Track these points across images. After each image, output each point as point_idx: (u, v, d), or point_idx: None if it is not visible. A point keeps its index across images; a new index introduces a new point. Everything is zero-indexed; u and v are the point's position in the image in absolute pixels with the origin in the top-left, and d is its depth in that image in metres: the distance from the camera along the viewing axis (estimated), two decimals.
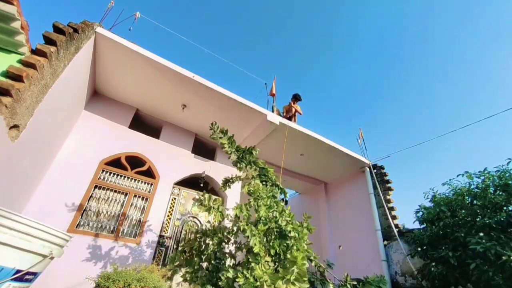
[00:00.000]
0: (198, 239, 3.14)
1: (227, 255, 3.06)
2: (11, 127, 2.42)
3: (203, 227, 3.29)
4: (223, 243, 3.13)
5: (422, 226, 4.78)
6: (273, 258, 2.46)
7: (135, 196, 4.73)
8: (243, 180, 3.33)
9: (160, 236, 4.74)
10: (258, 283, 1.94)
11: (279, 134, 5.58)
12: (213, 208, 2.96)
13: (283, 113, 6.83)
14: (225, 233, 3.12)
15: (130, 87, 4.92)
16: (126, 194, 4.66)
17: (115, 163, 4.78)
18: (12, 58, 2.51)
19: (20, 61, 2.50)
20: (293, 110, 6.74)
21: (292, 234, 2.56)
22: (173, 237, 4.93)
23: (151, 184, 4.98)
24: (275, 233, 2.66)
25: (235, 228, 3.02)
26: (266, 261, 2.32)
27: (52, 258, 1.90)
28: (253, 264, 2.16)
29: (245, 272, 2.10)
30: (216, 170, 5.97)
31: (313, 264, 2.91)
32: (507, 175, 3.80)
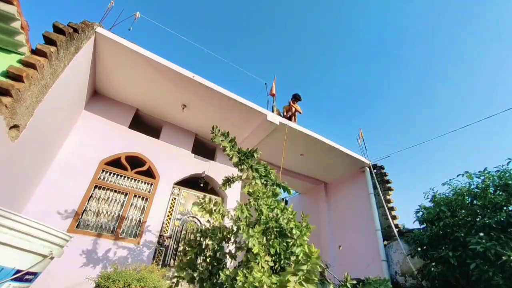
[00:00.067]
0: (198, 239, 3.14)
1: (227, 255, 3.06)
2: (11, 127, 2.42)
3: (203, 227, 3.28)
4: (223, 243, 3.13)
5: (422, 226, 4.77)
6: (273, 257, 2.46)
7: (135, 196, 4.73)
8: (243, 180, 3.33)
9: (160, 236, 4.74)
10: (257, 284, 1.94)
11: (279, 134, 5.58)
12: (214, 211, 2.97)
13: (283, 113, 6.83)
14: (225, 233, 3.12)
15: (130, 87, 4.92)
16: (126, 194, 4.66)
17: (115, 163, 4.78)
18: (12, 58, 2.51)
19: (20, 61, 2.50)
20: (293, 109, 6.74)
21: (294, 231, 2.57)
22: (173, 237, 4.93)
23: (151, 184, 4.98)
24: (275, 232, 2.66)
25: (235, 228, 3.02)
26: (266, 260, 2.32)
27: (52, 258, 1.90)
28: (252, 264, 2.16)
29: (245, 271, 2.11)
30: (216, 170, 5.97)
31: None
32: (507, 175, 3.80)
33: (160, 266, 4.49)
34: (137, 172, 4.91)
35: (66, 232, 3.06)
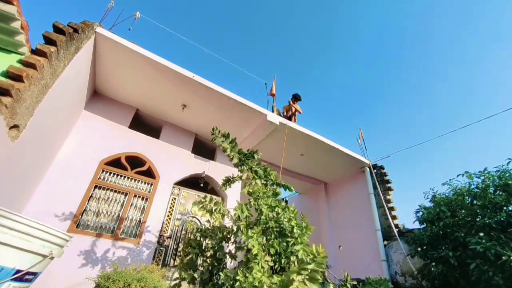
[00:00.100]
0: (198, 238, 3.14)
1: (227, 255, 3.06)
2: (11, 127, 2.42)
3: (203, 227, 3.28)
4: (223, 243, 3.13)
5: (422, 226, 4.77)
6: (273, 257, 2.46)
7: (135, 196, 4.73)
8: (243, 180, 3.33)
9: (160, 236, 4.74)
10: (257, 283, 1.94)
11: (279, 134, 5.58)
12: (215, 210, 2.97)
13: (283, 113, 6.83)
14: (225, 233, 3.12)
15: (130, 87, 4.92)
16: (126, 194, 4.66)
17: (115, 163, 4.78)
18: (12, 58, 2.51)
19: (20, 61, 2.50)
20: (293, 109, 6.74)
21: (295, 230, 2.57)
22: (173, 237, 4.93)
23: (151, 184, 4.98)
24: (275, 232, 2.66)
25: (235, 228, 3.02)
26: (266, 260, 2.32)
27: (52, 258, 1.90)
28: (252, 264, 2.16)
29: (245, 271, 2.11)
30: (216, 170, 5.97)
31: None
32: (507, 175, 3.80)
33: (160, 266, 4.49)
34: (137, 172, 4.90)
35: (66, 232, 3.06)
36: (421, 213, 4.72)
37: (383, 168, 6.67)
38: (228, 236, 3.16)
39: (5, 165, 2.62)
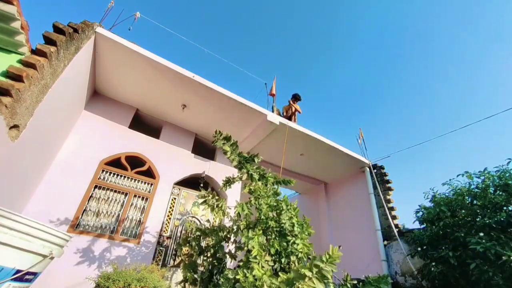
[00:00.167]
0: (198, 238, 3.14)
1: (227, 255, 3.07)
2: (11, 127, 2.42)
3: (203, 227, 3.29)
4: (223, 242, 3.14)
5: (422, 226, 4.77)
6: (273, 257, 2.46)
7: (135, 196, 4.73)
8: (243, 181, 3.34)
9: (160, 236, 4.75)
10: (258, 283, 1.94)
11: (279, 134, 5.58)
12: (217, 206, 2.99)
13: (282, 113, 6.83)
14: (225, 233, 3.13)
15: (130, 87, 4.92)
16: (126, 194, 4.66)
17: (115, 163, 4.78)
18: (12, 58, 2.51)
19: (20, 61, 2.50)
20: (293, 109, 6.75)
21: (295, 228, 2.58)
22: (173, 237, 4.93)
23: (151, 184, 4.98)
24: (275, 232, 2.67)
25: (235, 227, 3.03)
26: (266, 260, 2.33)
27: (52, 258, 1.90)
28: (253, 264, 2.16)
29: (245, 271, 2.11)
30: (216, 170, 5.97)
31: None
32: (507, 175, 3.80)
33: (160, 266, 4.49)
34: (137, 172, 4.90)
35: (66, 232, 3.06)
36: (421, 213, 4.72)
37: (383, 168, 6.67)
38: (228, 236, 3.17)
39: (5, 165, 2.62)
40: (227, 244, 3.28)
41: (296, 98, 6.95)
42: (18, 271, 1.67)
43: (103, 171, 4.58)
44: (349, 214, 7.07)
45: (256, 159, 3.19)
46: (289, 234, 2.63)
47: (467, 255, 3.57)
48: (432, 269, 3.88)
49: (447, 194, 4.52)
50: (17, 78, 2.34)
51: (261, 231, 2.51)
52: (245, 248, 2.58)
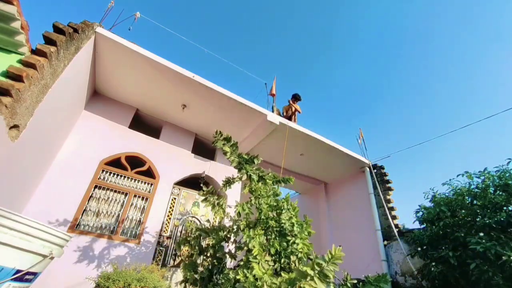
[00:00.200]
0: (198, 237, 3.15)
1: (227, 254, 3.07)
2: (11, 127, 2.42)
3: (203, 227, 3.29)
4: (223, 242, 3.14)
5: (422, 226, 4.77)
6: (273, 257, 2.47)
7: (135, 196, 4.73)
8: (243, 181, 3.35)
9: (160, 236, 4.75)
10: (258, 283, 1.94)
11: (279, 134, 5.58)
12: (218, 204, 3.00)
13: (282, 113, 6.83)
14: (225, 232, 3.13)
15: (130, 87, 4.92)
16: (126, 194, 4.66)
17: (115, 163, 4.78)
18: (12, 58, 2.51)
19: (20, 61, 2.50)
20: (293, 109, 6.75)
21: (295, 228, 2.59)
22: (173, 237, 4.93)
23: (151, 184, 4.98)
24: (275, 232, 2.67)
25: (235, 227, 3.03)
26: (266, 260, 2.33)
27: (52, 258, 1.90)
28: (253, 264, 2.16)
29: (245, 271, 2.11)
30: (216, 170, 5.97)
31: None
32: (507, 175, 3.80)
33: (160, 266, 4.49)
34: (137, 172, 4.90)
35: (66, 232, 3.06)
36: (421, 213, 4.72)
37: (383, 168, 6.67)
38: (228, 235, 3.17)
39: (5, 165, 2.62)
40: (227, 244, 3.29)
41: (296, 98, 6.95)
42: (18, 271, 1.67)
43: (103, 171, 4.58)
44: (349, 214, 7.07)
45: (256, 160, 3.20)
46: (289, 234, 2.64)
47: (467, 255, 3.57)
48: (432, 269, 3.88)
49: (447, 194, 4.52)
50: (17, 78, 2.34)
51: (262, 231, 2.51)
52: (245, 248, 2.58)
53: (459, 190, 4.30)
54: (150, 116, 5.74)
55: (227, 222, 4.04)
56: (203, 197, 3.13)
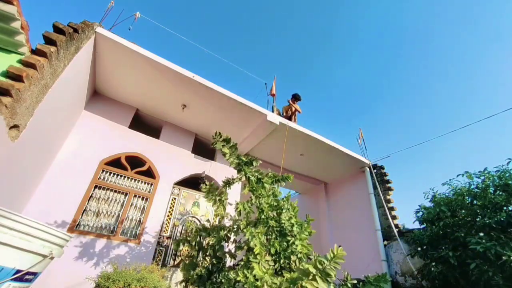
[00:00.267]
0: (198, 236, 3.15)
1: (227, 254, 3.07)
2: (11, 127, 2.42)
3: (203, 227, 3.29)
4: (223, 242, 3.15)
5: (422, 226, 4.77)
6: (273, 257, 2.47)
7: (135, 196, 4.73)
8: (243, 181, 3.35)
9: (160, 236, 4.74)
10: (258, 283, 1.94)
11: (279, 134, 5.58)
12: (219, 200, 3.01)
13: (282, 113, 6.83)
14: (225, 232, 3.13)
15: (130, 87, 4.92)
16: (126, 194, 4.66)
17: (115, 163, 4.78)
18: (12, 58, 2.51)
19: (20, 61, 2.50)
20: (293, 109, 6.75)
21: (295, 228, 2.59)
22: (172, 237, 4.93)
23: (151, 184, 4.98)
24: (276, 232, 2.67)
25: (235, 226, 3.04)
26: (266, 260, 2.33)
27: (52, 258, 1.90)
28: (253, 264, 2.16)
29: (245, 271, 2.11)
30: (216, 170, 5.97)
31: None
32: (507, 175, 3.80)
33: (160, 266, 4.49)
34: (137, 172, 4.90)
35: (66, 232, 3.06)
36: (421, 213, 4.72)
37: (383, 168, 6.67)
38: (228, 235, 3.18)
39: (5, 165, 2.62)
40: (227, 244, 3.29)
41: (296, 98, 6.94)
42: (18, 271, 1.67)
43: (103, 171, 4.58)
44: (349, 214, 7.07)
45: (255, 162, 3.20)
46: (289, 234, 2.64)
47: (467, 255, 3.57)
48: (432, 269, 3.88)
49: (447, 194, 4.52)
50: (17, 78, 2.34)
51: (263, 230, 2.52)
52: (245, 248, 2.59)
53: (459, 190, 4.30)
54: (150, 116, 5.74)
55: (227, 222, 4.05)
56: (205, 192, 3.14)
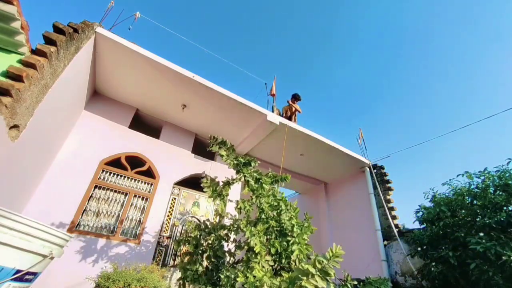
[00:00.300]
0: (198, 235, 3.15)
1: (226, 253, 3.07)
2: (11, 127, 2.42)
3: (203, 226, 3.29)
4: (223, 241, 3.15)
5: (422, 226, 4.77)
6: (274, 257, 2.47)
7: (135, 196, 4.73)
8: (243, 182, 3.35)
9: (160, 236, 4.74)
10: (258, 283, 1.94)
11: (279, 134, 5.58)
12: (221, 195, 3.02)
13: (282, 114, 6.83)
14: (225, 231, 3.14)
15: (130, 87, 4.92)
16: (126, 194, 4.66)
17: (115, 163, 4.78)
18: (12, 58, 2.51)
19: (20, 61, 2.50)
20: (293, 109, 6.75)
21: (295, 229, 2.58)
22: (172, 237, 4.93)
23: (151, 184, 4.98)
24: (276, 232, 2.67)
25: (235, 226, 3.04)
26: (266, 260, 2.33)
27: (52, 258, 1.90)
28: (253, 264, 2.16)
29: (245, 271, 2.11)
30: (216, 170, 5.97)
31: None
32: (507, 175, 3.80)
33: (160, 266, 4.49)
34: (137, 172, 4.90)
35: (66, 232, 3.06)
36: (421, 213, 4.72)
37: (383, 168, 6.67)
38: (228, 234, 3.18)
39: (5, 165, 2.62)
40: (226, 243, 3.29)
41: (296, 98, 6.94)
42: (18, 271, 1.67)
43: (103, 171, 4.58)
44: (349, 214, 7.07)
45: (253, 163, 3.20)
46: (289, 234, 2.64)
47: (467, 255, 3.57)
48: (432, 269, 3.88)
49: (447, 194, 4.52)
50: (17, 78, 2.34)
51: (263, 229, 2.52)
52: (245, 248, 2.58)
53: (459, 190, 4.30)
54: (150, 116, 5.74)
55: (227, 221, 4.05)
56: (206, 187, 3.15)
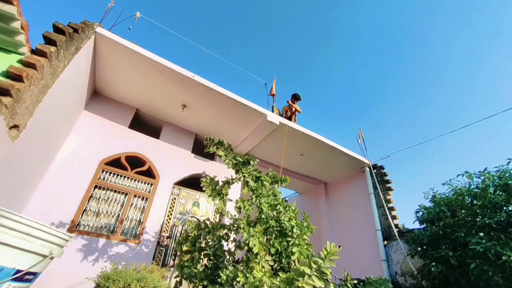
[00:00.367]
0: (198, 234, 3.15)
1: (226, 253, 3.07)
2: (11, 127, 2.42)
3: (203, 226, 3.29)
4: (223, 241, 3.15)
5: (422, 226, 4.77)
6: (274, 257, 2.47)
7: (135, 196, 4.73)
8: (243, 181, 3.35)
9: (160, 236, 4.74)
10: (258, 283, 1.94)
11: (279, 134, 5.58)
12: (221, 194, 3.02)
13: (282, 114, 6.83)
14: (225, 230, 3.14)
15: (130, 87, 4.92)
16: (126, 194, 4.66)
17: (115, 163, 4.78)
18: (12, 58, 2.51)
19: (20, 61, 2.50)
20: (293, 109, 6.75)
21: (295, 230, 2.58)
22: (172, 237, 4.93)
23: (151, 184, 4.98)
24: (276, 232, 2.67)
25: (235, 225, 3.04)
26: (266, 260, 2.33)
27: (52, 258, 1.90)
28: (253, 264, 2.16)
29: (245, 271, 2.11)
30: (216, 170, 5.96)
31: None
32: (507, 175, 3.80)
33: (160, 266, 4.49)
34: (137, 172, 4.90)
35: (66, 232, 3.06)
36: (421, 213, 4.72)
37: (383, 168, 6.67)
38: (228, 233, 3.18)
39: (5, 165, 2.62)
40: (226, 243, 3.29)
41: (295, 98, 6.94)
42: (18, 271, 1.67)
43: (103, 171, 4.58)
44: (349, 214, 7.07)
45: (252, 161, 3.20)
46: (289, 234, 2.63)
47: (467, 255, 3.57)
48: (432, 269, 3.88)
49: (447, 194, 4.52)
50: (17, 78, 2.34)
51: (262, 229, 2.51)
52: (245, 248, 2.58)
53: (459, 190, 4.30)
54: (150, 116, 5.74)
55: (227, 221, 4.05)
56: (206, 185, 3.15)
